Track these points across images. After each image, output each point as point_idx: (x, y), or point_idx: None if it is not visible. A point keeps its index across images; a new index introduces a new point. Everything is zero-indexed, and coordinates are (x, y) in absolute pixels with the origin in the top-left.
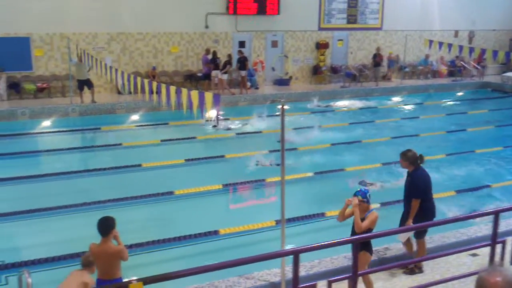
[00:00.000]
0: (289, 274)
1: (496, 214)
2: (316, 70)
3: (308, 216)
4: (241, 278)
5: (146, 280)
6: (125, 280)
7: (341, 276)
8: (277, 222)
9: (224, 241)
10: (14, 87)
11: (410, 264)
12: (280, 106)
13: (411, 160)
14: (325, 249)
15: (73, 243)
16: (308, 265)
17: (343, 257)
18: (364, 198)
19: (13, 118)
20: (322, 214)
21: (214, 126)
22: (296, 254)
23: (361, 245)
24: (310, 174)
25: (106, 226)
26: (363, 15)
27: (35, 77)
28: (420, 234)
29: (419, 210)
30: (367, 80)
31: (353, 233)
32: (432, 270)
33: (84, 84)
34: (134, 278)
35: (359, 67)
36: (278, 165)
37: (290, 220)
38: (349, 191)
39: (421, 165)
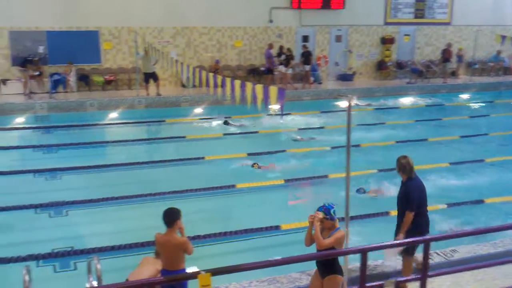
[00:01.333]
0: (352, 273)
1: None
2: (380, 66)
3: (372, 214)
4: (303, 275)
5: (214, 271)
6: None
7: (411, 277)
8: (339, 219)
9: (284, 236)
10: (84, 79)
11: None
12: (343, 102)
13: (404, 169)
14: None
15: (139, 232)
16: (372, 265)
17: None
18: (327, 214)
19: (82, 109)
20: (387, 213)
21: (279, 119)
22: (364, 252)
23: (330, 269)
24: (373, 171)
25: (171, 217)
26: (431, 9)
27: (103, 69)
28: (407, 250)
29: (410, 224)
30: (434, 77)
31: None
32: None
33: (150, 77)
34: (196, 269)
35: (426, 63)
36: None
37: (352, 218)
38: None
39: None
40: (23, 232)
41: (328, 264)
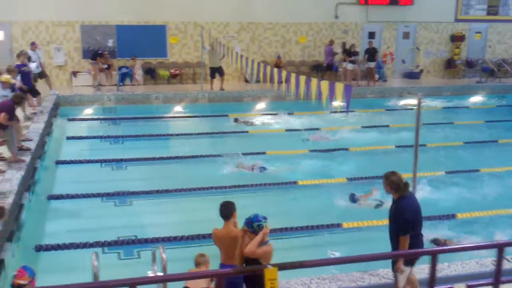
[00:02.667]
0: (416, 275)
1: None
2: (449, 64)
3: (440, 216)
4: (365, 274)
5: (280, 266)
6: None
7: (482, 281)
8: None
9: (345, 234)
10: (150, 73)
11: None
12: (409, 100)
13: (396, 186)
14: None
15: (199, 224)
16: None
17: (475, 262)
18: (249, 227)
19: (147, 102)
20: (453, 216)
21: (343, 115)
22: (434, 254)
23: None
24: (440, 173)
25: (228, 210)
26: (506, 6)
27: (169, 63)
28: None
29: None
30: (506, 76)
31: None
32: None
33: (216, 71)
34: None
35: (498, 61)
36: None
37: None
38: (481, 191)
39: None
40: (90, 219)
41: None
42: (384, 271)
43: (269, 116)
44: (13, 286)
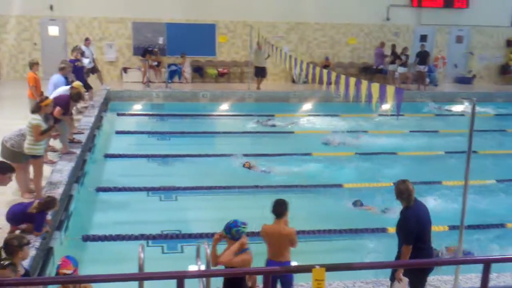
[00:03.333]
0: (463, 283)
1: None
2: (504, 70)
3: (488, 225)
4: None
5: (328, 267)
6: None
7: None
8: (450, 227)
9: (390, 239)
10: (198, 71)
11: None
12: (459, 106)
13: (401, 195)
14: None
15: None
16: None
17: None
18: (227, 233)
19: (195, 100)
20: (502, 225)
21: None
22: (487, 263)
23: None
24: (491, 181)
25: (282, 208)
26: None
27: (217, 62)
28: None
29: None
30: None
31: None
32: None
33: (260, 71)
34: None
35: None
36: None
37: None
38: None
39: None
40: (136, 212)
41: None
42: (429, 278)
43: (312, 118)
44: (58, 275)
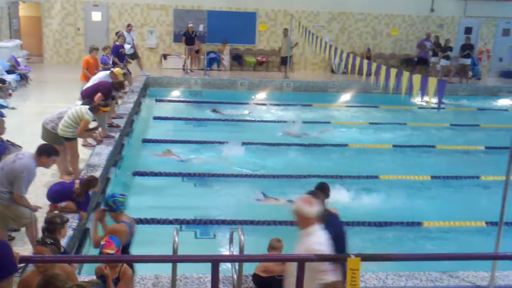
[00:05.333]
0: (499, 281)
1: None
2: None
3: None
4: (444, 275)
5: (364, 257)
6: None
7: None
8: (488, 223)
9: (426, 234)
10: (237, 59)
11: None
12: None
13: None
14: None
15: (275, 210)
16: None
17: None
18: (106, 205)
19: (233, 88)
20: None
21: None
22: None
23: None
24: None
25: (328, 190)
26: None
27: (256, 50)
28: None
29: None
30: None
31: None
32: None
33: (285, 60)
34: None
35: None
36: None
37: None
38: None
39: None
40: (171, 197)
41: None
42: (465, 273)
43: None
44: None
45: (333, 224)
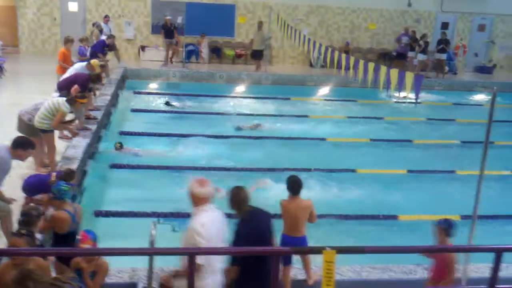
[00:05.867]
0: (472, 273)
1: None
2: None
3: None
4: (418, 267)
5: (339, 249)
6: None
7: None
8: (462, 217)
9: (401, 227)
10: (216, 52)
11: None
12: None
13: (231, 205)
14: None
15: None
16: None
17: None
18: (52, 193)
19: (211, 80)
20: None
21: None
22: (498, 252)
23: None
24: (508, 172)
25: (300, 184)
26: None
27: (235, 43)
28: None
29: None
30: None
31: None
32: None
33: (257, 54)
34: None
35: None
36: None
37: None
38: None
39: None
40: (148, 190)
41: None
42: None
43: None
44: None
45: (254, 220)
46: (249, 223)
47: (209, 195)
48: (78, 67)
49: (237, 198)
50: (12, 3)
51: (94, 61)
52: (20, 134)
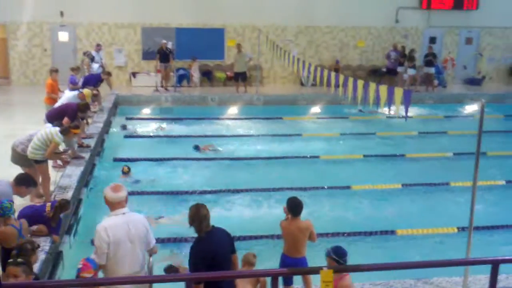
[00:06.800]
0: (472, 285)
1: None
2: None
3: (498, 226)
4: (419, 282)
5: (336, 269)
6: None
7: None
8: (459, 229)
9: (400, 242)
10: (207, 75)
11: None
12: (470, 107)
13: (191, 222)
14: None
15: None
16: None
17: None
18: None
19: (203, 104)
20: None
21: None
22: (495, 264)
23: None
24: (501, 182)
25: (300, 207)
26: None
27: (225, 66)
28: None
29: None
30: None
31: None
32: None
33: (240, 76)
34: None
35: None
36: None
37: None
38: None
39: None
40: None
41: None
42: (439, 279)
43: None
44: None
45: (210, 241)
46: (209, 241)
47: (123, 199)
48: (70, 95)
49: (198, 215)
50: (3, 35)
51: (86, 91)
52: (21, 171)
